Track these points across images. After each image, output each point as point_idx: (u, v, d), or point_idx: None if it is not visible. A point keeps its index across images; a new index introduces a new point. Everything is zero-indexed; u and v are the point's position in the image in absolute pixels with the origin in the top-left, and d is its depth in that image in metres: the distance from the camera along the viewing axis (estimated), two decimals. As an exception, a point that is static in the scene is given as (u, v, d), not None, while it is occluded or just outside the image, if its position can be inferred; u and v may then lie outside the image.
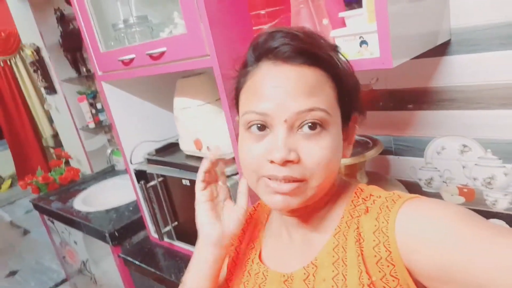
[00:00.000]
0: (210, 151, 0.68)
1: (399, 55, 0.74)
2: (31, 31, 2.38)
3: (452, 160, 1.04)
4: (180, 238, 1.37)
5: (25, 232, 3.98)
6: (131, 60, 1.14)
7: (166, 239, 1.40)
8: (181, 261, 1.35)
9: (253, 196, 0.64)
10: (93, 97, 2.44)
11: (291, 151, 0.51)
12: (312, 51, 0.53)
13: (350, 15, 0.85)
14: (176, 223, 1.35)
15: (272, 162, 0.52)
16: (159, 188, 1.31)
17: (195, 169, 1.19)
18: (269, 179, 0.53)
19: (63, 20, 2.31)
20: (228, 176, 1.10)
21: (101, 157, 2.58)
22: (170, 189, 1.31)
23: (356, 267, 0.52)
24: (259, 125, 0.54)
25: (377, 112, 1.13)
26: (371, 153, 0.97)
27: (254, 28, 0.97)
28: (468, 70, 0.94)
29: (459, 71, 0.96)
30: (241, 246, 0.73)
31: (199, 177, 0.66)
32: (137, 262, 1.42)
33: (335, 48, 0.57)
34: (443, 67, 0.98)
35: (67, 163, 2.69)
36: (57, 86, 2.47)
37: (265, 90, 0.53)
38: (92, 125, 2.43)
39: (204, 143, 1.20)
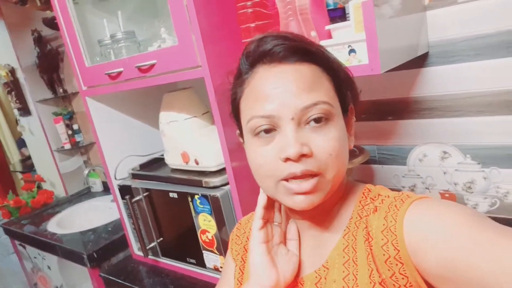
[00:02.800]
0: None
1: (386, 62, 0.79)
2: (7, 52, 2.33)
3: (434, 166, 1.09)
4: (166, 254, 1.35)
5: (-8, 261, 3.75)
6: (119, 73, 1.15)
7: (150, 256, 1.37)
8: (167, 278, 1.32)
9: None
10: (70, 118, 2.40)
11: (304, 145, 0.51)
12: (305, 48, 0.55)
13: (337, 27, 0.89)
14: (161, 239, 1.33)
15: (286, 160, 0.52)
16: (144, 203, 1.29)
17: (182, 182, 1.20)
18: (287, 181, 0.53)
19: (41, 41, 2.28)
20: (217, 187, 1.10)
21: (76, 179, 2.51)
22: (155, 204, 1.29)
23: (366, 266, 0.53)
24: (266, 129, 0.54)
25: (361, 123, 1.17)
26: (359, 160, 1.00)
27: (243, 41, 1.00)
28: (445, 80, 1.00)
29: (437, 81, 1.02)
30: (246, 254, 0.71)
31: (258, 213, 0.62)
32: (120, 281, 1.37)
33: (322, 46, 0.60)
34: (422, 78, 1.03)
35: (39, 187, 2.60)
36: (31, 107, 2.41)
37: (266, 93, 0.54)
38: (68, 146, 2.38)
39: (192, 156, 1.20)
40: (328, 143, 0.53)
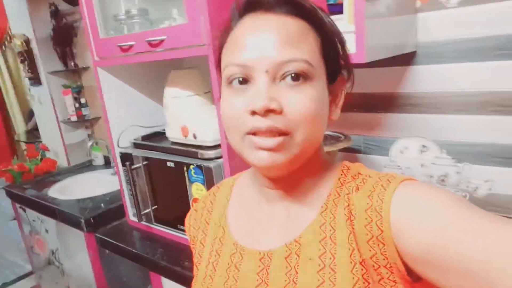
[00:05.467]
0: None
1: (371, 53, 0.87)
2: (24, 23, 2.42)
3: (413, 159, 1.18)
4: (158, 221, 1.44)
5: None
6: (130, 46, 1.23)
7: (144, 222, 1.46)
8: (157, 242, 1.41)
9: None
10: (78, 91, 2.48)
11: (273, 100, 0.49)
12: (297, 1, 0.52)
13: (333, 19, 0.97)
14: (155, 206, 1.42)
15: (253, 113, 0.49)
16: (142, 170, 1.38)
17: (179, 153, 1.29)
18: (254, 135, 0.50)
19: (57, 15, 2.37)
20: (211, 159, 1.19)
21: (79, 151, 2.61)
22: (153, 173, 1.38)
23: (347, 245, 0.51)
24: (240, 79, 0.51)
25: (351, 113, 1.26)
26: (342, 144, 1.08)
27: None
28: (430, 79, 1.09)
29: (422, 80, 1.10)
30: (206, 238, 0.69)
31: None
32: (113, 241, 1.47)
33: (320, 7, 0.56)
34: (409, 75, 1.12)
35: (43, 156, 2.70)
36: (42, 78, 2.50)
37: (245, 41, 0.51)
38: (74, 118, 2.47)
39: (190, 131, 1.29)
40: (302, 102, 0.50)
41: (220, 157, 1.18)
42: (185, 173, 1.24)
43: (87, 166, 2.54)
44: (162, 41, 1.14)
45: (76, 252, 1.97)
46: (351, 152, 1.29)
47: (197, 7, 1.03)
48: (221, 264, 0.62)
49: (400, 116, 1.17)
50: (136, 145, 1.44)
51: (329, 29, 0.55)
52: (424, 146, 1.15)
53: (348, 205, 0.54)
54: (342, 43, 0.57)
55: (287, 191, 0.59)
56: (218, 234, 0.66)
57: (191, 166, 1.21)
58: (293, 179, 0.57)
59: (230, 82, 0.53)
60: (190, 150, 1.24)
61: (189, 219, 0.76)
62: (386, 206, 0.49)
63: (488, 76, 1.00)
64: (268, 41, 0.50)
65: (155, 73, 1.54)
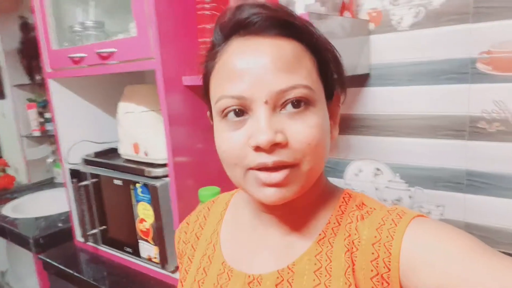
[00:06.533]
0: None
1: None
2: (-10, 34, 2.38)
3: (367, 182, 1.15)
4: (106, 242, 1.36)
5: None
6: (82, 58, 1.19)
7: (91, 243, 1.38)
8: (103, 265, 1.33)
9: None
10: (43, 106, 2.42)
11: (277, 133, 0.45)
12: (286, 20, 0.48)
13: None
14: (104, 226, 1.35)
15: (257, 149, 0.45)
16: (91, 188, 1.32)
17: (126, 170, 1.23)
18: (259, 170, 0.47)
19: (26, 27, 2.34)
20: (158, 177, 1.14)
21: (41, 168, 2.51)
22: (102, 191, 1.32)
23: (342, 278, 0.48)
24: (236, 110, 0.47)
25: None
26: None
27: (199, 40, 1.07)
28: (382, 101, 1.07)
29: (375, 101, 1.09)
30: (198, 241, 0.67)
31: None
32: (56, 264, 1.38)
33: (307, 20, 0.51)
34: (362, 97, 1.10)
35: (3, 171, 2.59)
36: (7, 90, 2.43)
37: (238, 69, 0.46)
38: (37, 133, 2.39)
39: (142, 147, 1.24)
40: (307, 131, 0.46)
41: (167, 175, 1.13)
42: (132, 191, 1.18)
43: (49, 183, 2.44)
44: (112, 53, 1.11)
45: (26, 275, 1.86)
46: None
47: (145, 19, 1.00)
48: (207, 283, 0.59)
49: (355, 138, 1.14)
50: (87, 162, 1.38)
51: (322, 47, 0.51)
52: (378, 169, 1.12)
53: (350, 236, 0.50)
54: (336, 57, 0.53)
55: (284, 217, 0.55)
56: (208, 252, 0.62)
57: (137, 185, 1.16)
58: (291, 205, 0.52)
59: (225, 115, 0.48)
60: (137, 167, 1.18)
61: (179, 233, 0.71)
62: (396, 243, 0.46)
63: (438, 100, 0.99)
64: (264, 68, 0.46)
65: (111, 88, 1.50)
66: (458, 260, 0.42)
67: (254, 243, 0.58)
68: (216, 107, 0.49)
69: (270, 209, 0.55)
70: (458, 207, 1.01)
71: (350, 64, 1.00)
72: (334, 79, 0.53)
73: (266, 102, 0.45)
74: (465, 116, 0.95)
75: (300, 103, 0.46)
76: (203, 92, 0.56)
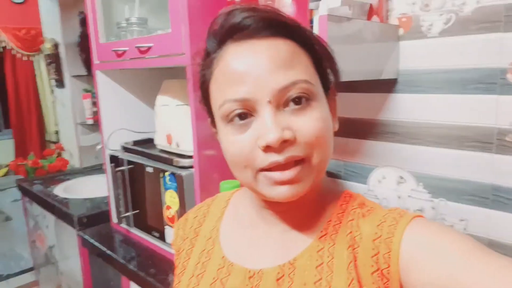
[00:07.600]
0: None
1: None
2: (54, 28, 2.58)
3: (390, 189, 1.13)
4: (137, 225, 1.45)
5: (7, 218, 4.01)
6: (124, 52, 1.28)
7: (123, 225, 1.48)
8: (133, 247, 1.42)
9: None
10: (97, 96, 2.59)
11: (285, 129, 0.46)
12: (278, 20, 0.49)
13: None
14: (137, 211, 1.44)
15: (267, 149, 0.46)
16: (126, 174, 1.41)
17: (157, 159, 1.30)
18: (270, 170, 0.48)
19: (85, 22, 2.51)
20: (185, 167, 1.19)
21: (93, 154, 2.69)
22: (136, 177, 1.40)
23: (345, 273, 0.49)
24: (241, 114, 0.48)
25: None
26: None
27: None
28: (410, 108, 1.05)
29: (402, 108, 1.06)
30: (196, 237, 0.67)
31: None
32: (92, 241, 1.49)
33: (296, 20, 0.53)
34: (389, 102, 1.09)
35: (59, 155, 2.81)
36: (66, 80, 2.64)
37: (238, 73, 0.48)
38: (90, 121, 2.57)
39: (174, 139, 1.31)
40: (312, 124, 0.48)
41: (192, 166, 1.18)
42: (161, 179, 1.25)
43: (98, 169, 2.61)
44: (149, 48, 1.18)
45: (69, 251, 2.01)
46: (331, 177, 1.25)
47: (179, 16, 1.06)
48: (206, 278, 0.59)
49: (380, 144, 1.13)
50: (125, 149, 1.47)
51: (315, 42, 0.53)
52: (401, 177, 1.10)
53: (351, 232, 0.52)
54: (328, 53, 0.55)
55: (286, 213, 0.57)
56: (207, 247, 0.63)
57: (166, 173, 1.22)
58: (293, 202, 0.53)
59: (230, 120, 0.49)
60: (168, 157, 1.25)
61: (177, 228, 0.72)
62: (396, 240, 0.47)
63: (466, 110, 0.95)
64: (263, 69, 0.47)
65: (153, 81, 1.59)
66: (456, 258, 0.43)
67: (255, 239, 0.59)
68: (219, 112, 0.50)
69: (272, 206, 0.56)
70: (482, 222, 0.97)
71: (375, 69, 0.99)
72: (329, 72, 0.55)
73: (269, 102, 0.47)
74: (492, 128, 0.91)
75: (301, 100, 0.48)
76: (202, 101, 0.57)
